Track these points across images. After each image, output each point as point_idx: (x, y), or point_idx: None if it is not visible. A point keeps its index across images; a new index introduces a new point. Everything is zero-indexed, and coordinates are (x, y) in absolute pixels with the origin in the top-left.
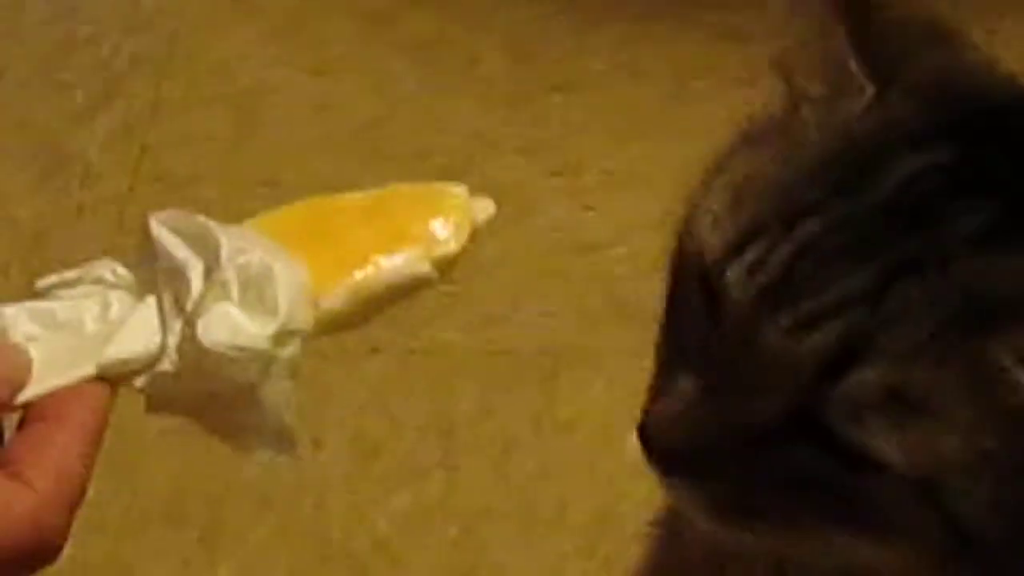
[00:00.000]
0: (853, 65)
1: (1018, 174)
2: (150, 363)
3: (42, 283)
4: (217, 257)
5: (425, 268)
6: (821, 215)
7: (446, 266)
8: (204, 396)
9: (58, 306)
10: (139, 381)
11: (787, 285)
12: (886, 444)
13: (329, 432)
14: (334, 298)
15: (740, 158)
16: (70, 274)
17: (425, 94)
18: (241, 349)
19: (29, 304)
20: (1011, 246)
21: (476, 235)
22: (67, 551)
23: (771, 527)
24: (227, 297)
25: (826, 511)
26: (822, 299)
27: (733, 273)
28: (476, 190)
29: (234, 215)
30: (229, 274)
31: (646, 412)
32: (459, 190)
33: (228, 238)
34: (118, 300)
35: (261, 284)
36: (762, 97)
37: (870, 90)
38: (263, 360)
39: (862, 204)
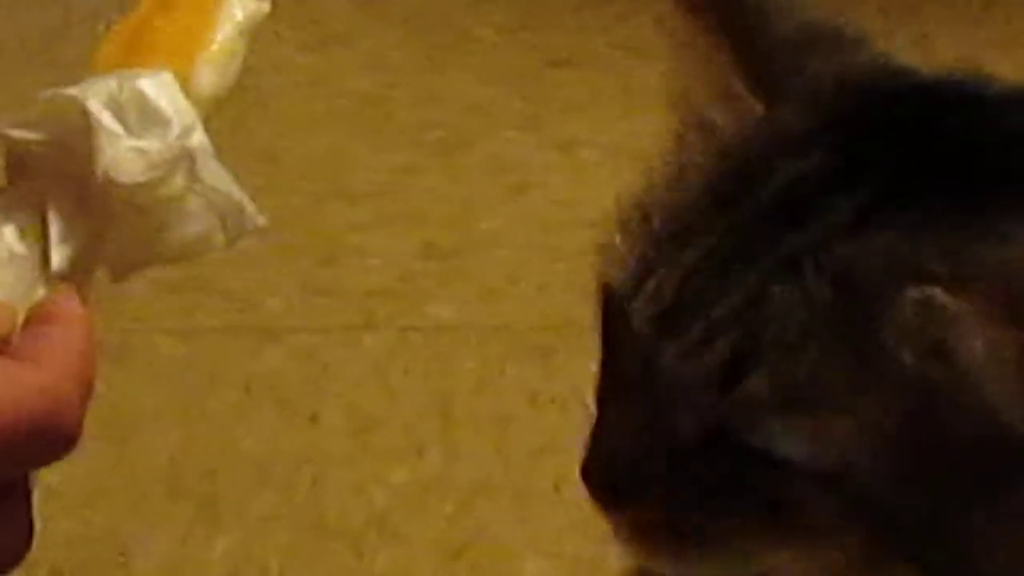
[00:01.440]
0: (738, 85)
1: (890, 160)
2: (92, 244)
3: None
4: (85, 112)
5: (251, 5)
6: (705, 234)
7: None
8: (154, 231)
9: None
10: (95, 263)
11: (679, 309)
12: (786, 443)
13: (327, 408)
14: (201, 79)
15: (641, 197)
16: None
17: (423, 69)
18: (158, 164)
19: None
20: (879, 228)
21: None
22: (65, 525)
23: (707, 551)
24: (116, 136)
25: (756, 524)
26: (710, 317)
27: (636, 304)
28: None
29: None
30: (104, 116)
31: (584, 452)
32: None
33: (82, 92)
34: (26, 216)
35: (138, 105)
36: None
37: (759, 108)
38: (183, 161)
39: (742, 217)
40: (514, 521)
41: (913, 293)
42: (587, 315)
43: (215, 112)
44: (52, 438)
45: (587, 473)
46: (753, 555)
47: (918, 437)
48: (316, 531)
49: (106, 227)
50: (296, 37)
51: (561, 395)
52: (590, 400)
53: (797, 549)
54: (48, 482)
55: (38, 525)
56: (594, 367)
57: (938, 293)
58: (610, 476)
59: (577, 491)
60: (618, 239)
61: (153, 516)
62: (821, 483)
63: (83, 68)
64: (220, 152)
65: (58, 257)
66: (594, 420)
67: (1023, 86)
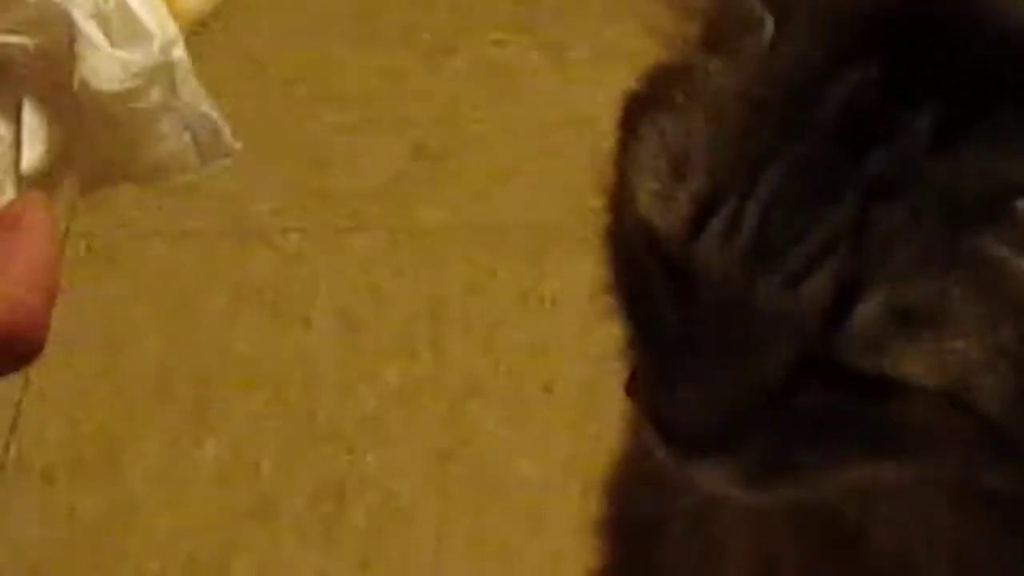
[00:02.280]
0: (749, 2)
1: (944, 72)
2: (63, 153)
3: None
4: (69, 21)
5: None
6: (775, 164)
7: None
8: (123, 146)
9: None
10: (65, 173)
11: (767, 242)
12: (907, 364)
13: (317, 310)
14: None
15: (655, 124)
16: None
17: None
18: (137, 74)
19: None
20: (967, 142)
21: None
22: (56, 428)
23: (808, 477)
24: (97, 46)
25: (858, 448)
26: (807, 246)
27: (705, 246)
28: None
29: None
30: (88, 25)
31: (655, 408)
32: None
33: (68, 2)
34: (0, 121)
35: (122, 17)
36: None
37: (769, 23)
38: (163, 73)
39: (811, 140)
40: (505, 422)
41: (1022, 204)
42: (578, 215)
43: (197, 30)
44: (16, 348)
45: (668, 431)
46: (851, 478)
47: None
48: (307, 432)
49: (78, 137)
50: None
51: (552, 295)
52: (582, 300)
53: (900, 469)
54: (39, 385)
55: (29, 428)
56: (586, 267)
57: None
58: (695, 428)
59: (568, 392)
60: (639, 175)
61: (143, 419)
62: (939, 401)
63: None
64: (205, 58)
65: (28, 160)
66: (655, 370)
67: None
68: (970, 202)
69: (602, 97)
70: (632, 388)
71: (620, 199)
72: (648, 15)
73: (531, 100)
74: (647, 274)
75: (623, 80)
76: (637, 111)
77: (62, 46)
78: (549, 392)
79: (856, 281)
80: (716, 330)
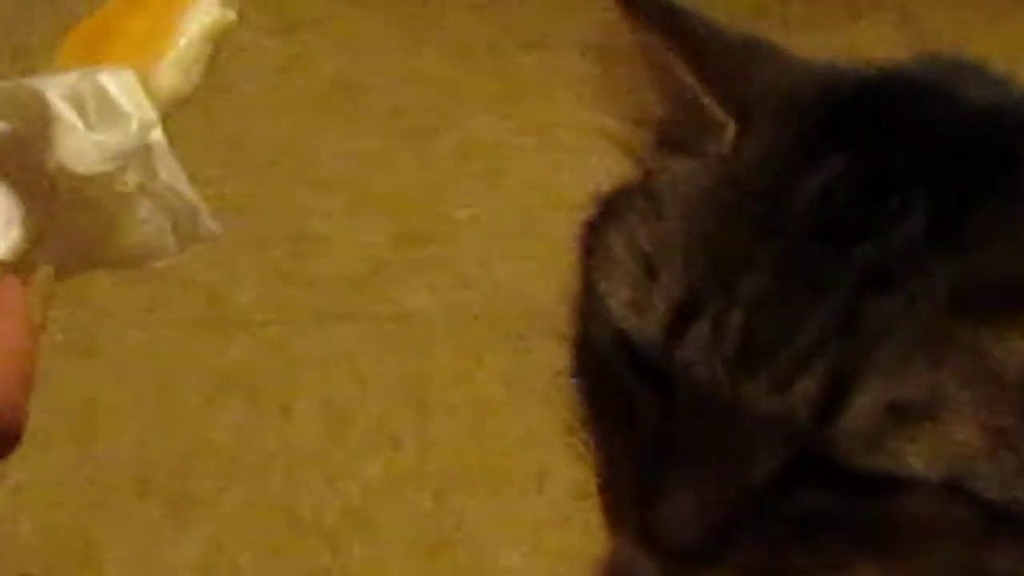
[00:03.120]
0: (708, 102)
1: (918, 159)
2: (39, 238)
3: None
4: (44, 104)
5: (216, 11)
6: (755, 265)
7: (233, 1)
8: (103, 231)
9: None
10: (39, 260)
11: (753, 345)
12: (905, 458)
13: (298, 400)
14: (162, 79)
15: (621, 232)
16: None
17: (393, 52)
18: (114, 157)
19: None
20: (969, 230)
21: None
22: (32, 524)
23: None
24: (73, 128)
25: (857, 548)
26: (795, 345)
27: (687, 352)
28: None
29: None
30: (64, 109)
31: (644, 522)
32: None
33: (43, 84)
34: None
35: (98, 99)
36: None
37: (731, 126)
38: (140, 156)
39: (789, 239)
40: (493, 515)
41: None
42: (567, 302)
43: (174, 113)
44: None
45: (655, 540)
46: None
47: None
48: (289, 527)
49: (55, 221)
50: (262, 20)
51: (540, 384)
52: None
53: (896, 568)
54: (13, 480)
55: (2, 525)
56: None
57: None
58: (687, 539)
59: (557, 483)
60: (608, 282)
61: (122, 513)
62: (938, 491)
63: (44, 56)
64: (183, 139)
65: (3, 247)
66: (639, 481)
67: (960, 65)
68: (971, 293)
69: (591, 181)
70: (608, 504)
71: (586, 313)
72: (633, 102)
73: (517, 183)
74: (623, 385)
75: (613, 163)
76: (597, 229)
77: (37, 129)
78: (538, 483)
79: (848, 377)
80: (701, 435)
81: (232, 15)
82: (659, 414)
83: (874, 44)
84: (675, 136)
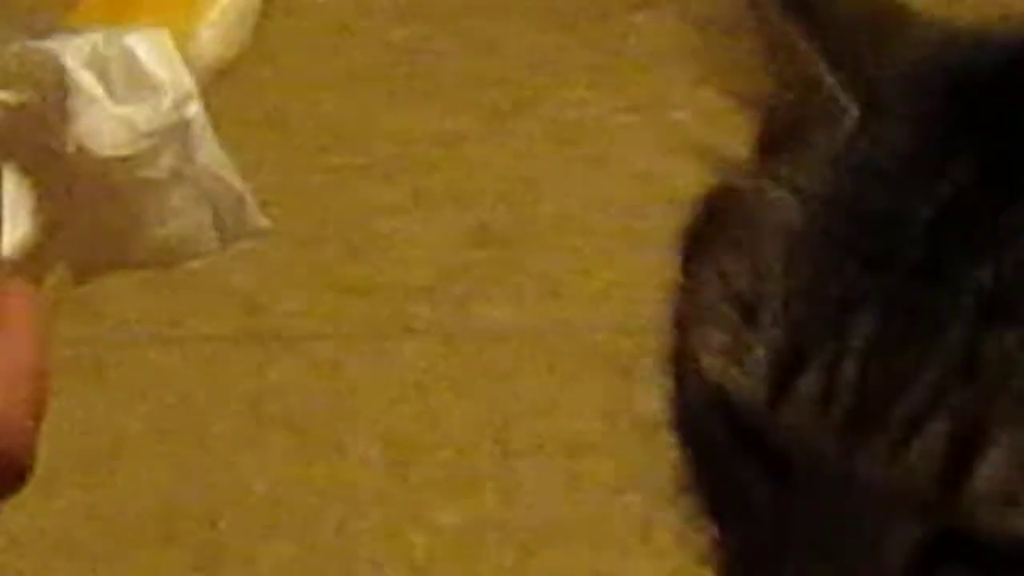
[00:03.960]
0: (831, 82)
1: None
2: (52, 232)
3: None
4: (61, 70)
5: None
6: (867, 305)
7: None
8: (130, 224)
9: None
10: (53, 257)
11: (866, 403)
12: None
13: (355, 435)
14: (203, 43)
15: (715, 265)
16: None
17: (470, 14)
18: (143, 136)
19: None
20: None
21: None
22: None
23: None
24: (95, 100)
25: None
26: (911, 397)
27: (793, 412)
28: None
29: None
30: (84, 76)
31: None
32: None
33: (59, 46)
34: None
35: (126, 66)
36: None
37: (853, 112)
38: (174, 135)
39: (905, 269)
40: (588, 573)
41: None
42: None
43: (217, 81)
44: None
45: None
46: None
47: None
48: None
49: (71, 212)
50: None
51: (645, 416)
52: None
53: None
54: (10, 528)
55: None
56: None
57: None
58: None
59: (664, 535)
60: (703, 328)
61: (141, 570)
62: None
63: (55, 9)
64: (220, 117)
65: (10, 244)
66: (750, 567)
67: None
68: None
69: (708, 169)
70: None
71: (681, 359)
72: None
73: (620, 172)
74: (722, 450)
75: (734, 145)
76: (693, 251)
77: (52, 101)
78: (643, 535)
79: (973, 430)
80: (816, 511)
81: None
82: (769, 491)
83: None
84: (783, 128)
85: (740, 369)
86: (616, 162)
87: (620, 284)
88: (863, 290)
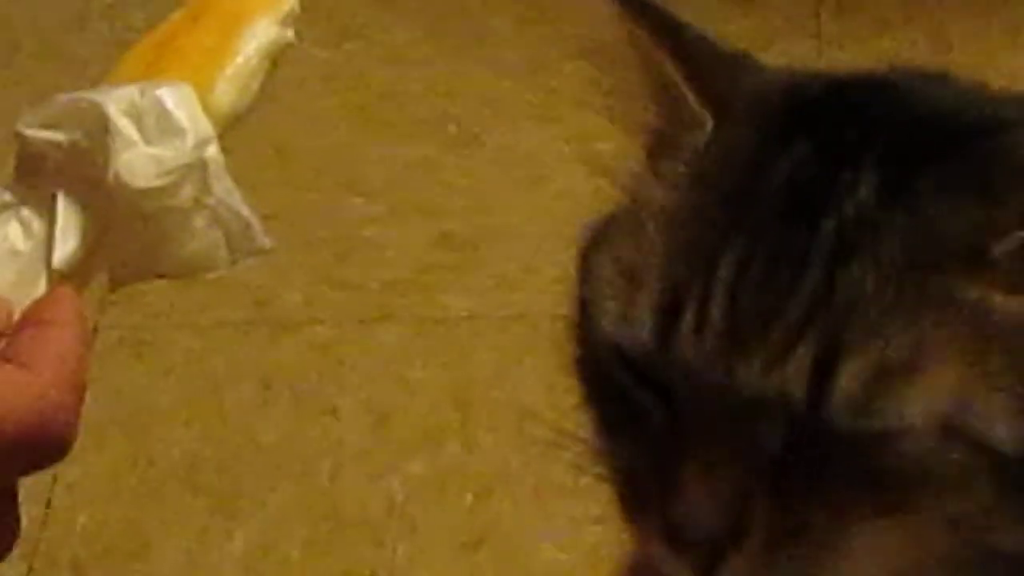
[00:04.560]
0: (692, 101)
1: (872, 141)
2: (95, 248)
3: None
4: (104, 117)
5: (275, 31)
6: (732, 250)
7: (292, 20)
8: (153, 241)
9: None
10: (97, 268)
11: (740, 328)
12: (900, 412)
13: (344, 400)
14: (220, 95)
15: (610, 253)
16: None
17: (437, 63)
18: (170, 172)
19: None
20: (917, 192)
21: None
22: (85, 519)
23: (823, 549)
24: (131, 142)
25: (865, 498)
26: (782, 323)
27: (679, 347)
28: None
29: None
30: (122, 121)
31: (666, 522)
32: None
33: (103, 97)
34: (33, 214)
35: (156, 114)
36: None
37: (709, 122)
38: (195, 171)
39: (762, 223)
40: (532, 513)
41: (1004, 244)
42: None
43: (231, 129)
44: (44, 445)
45: (679, 537)
46: (872, 540)
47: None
48: (335, 523)
49: (110, 232)
50: (311, 31)
51: (579, 386)
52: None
53: (909, 524)
54: (68, 477)
55: (59, 521)
56: None
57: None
58: (709, 527)
59: (593, 484)
60: (599, 304)
61: (172, 510)
62: (938, 442)
63: (100, 65)
64: (234, 147)
65: (60, 256)
66: (656, 484)
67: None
68: (932, 247)
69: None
70: (631, 513)
71: (584, 329)
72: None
73: (556, 190)
74: (625, 395)
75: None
76: (586, 256)
77: (96, 141)
78: (576, 480)
79: (833, 348)
80: (705, 425)
81: (290, 34)
82: (662, 417)
83: (906, 56)
84: (662, 140)
85: (630, 328)
86: (551, 182)
87: (557, 279)
88: (729, 239)
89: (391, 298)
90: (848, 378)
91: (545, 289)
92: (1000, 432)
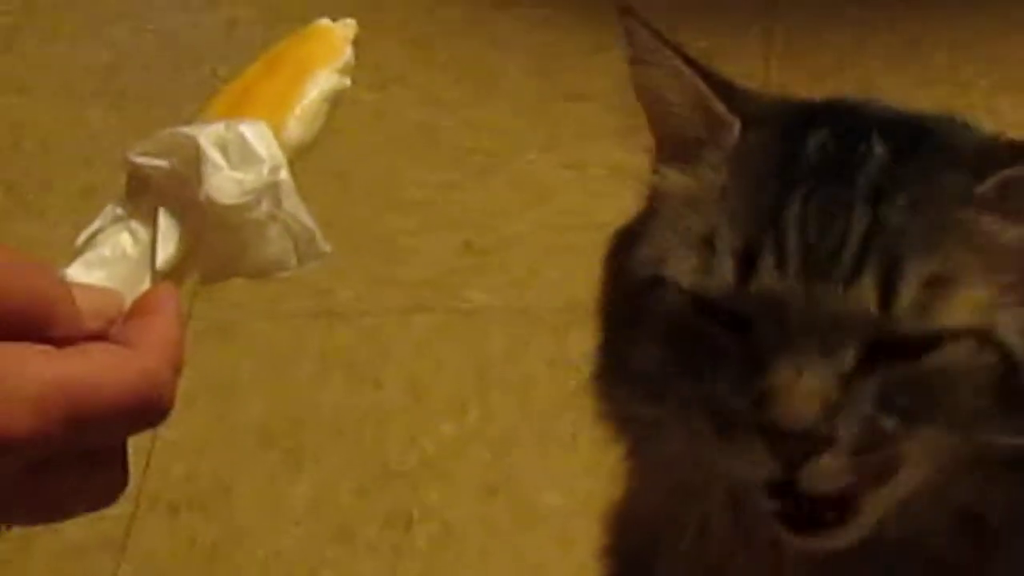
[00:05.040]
0: (716, 104)
1: (867, 129)
2: (189, 252)
3: (80, 240)
4: (197, 147)
5: (335, 79)
6: (788, 207)
7: (349, 70)
8: (236, 248)
9: (102, 250)
10: (190, 270)
11: (814, 260)
12: (944, 318)
13: (387, 375)
14: (290, 131)
15: (670, 227)
16: (95, 225)
17: (464, 104)
18: (250, 191)
19: (80, 259)
20: (918, 157)
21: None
22: (180, 468)
23: (892, 443)
24: (219, 168)
25: (921, 403)
26: (848, 251)
27: (764, 280)
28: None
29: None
30: (213, 152)
31: (765, 422)
32: (324, 21)
33: (196, 132)
34: (140, 225)
35: (239, 145)
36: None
37: (736, 124)
38: (270, 191)
39: (807, 183)
40: (538, 466)
41: (990, 181)
42: (594, 300)
43: (299, 158)
44: (148, 412)
45: (778, 431)
46: (920, 453)
47: None
48: (380, 473)
49: (201, 240)
50: (361, 78)
51: (574, 362)
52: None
53: (945, 418)
54: (166, 436)
55: (158, 471)
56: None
57: (1008, 172)
58: (808, 418)
59: (587, 441)
60: (674, 263)
61: (248, 462)
62: (974, 343)
63: (193, 106)
64: (302, 172)
65: (161, 259)
66: (748, 394)
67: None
68: (940, 192)
69: (616, 206)
70: (715, 429)
71: (630, 300)
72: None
73: (558, 208)
74: (705, 336)
75: (632, 194)
76: (619, 252)
77: (191, 167)
78: (574, 440)
79: (894, 266)
80: (794, 342)
81: (347, 81)
82: (740, 346)
83: None
84: (679, 148)
85: (712, 278)
86: (553, 201)
87: (558, 279)
88: (785, 202)
89: (424, 293)
90: (908, 288)
91: (547, 287)
92: (1016, 340)
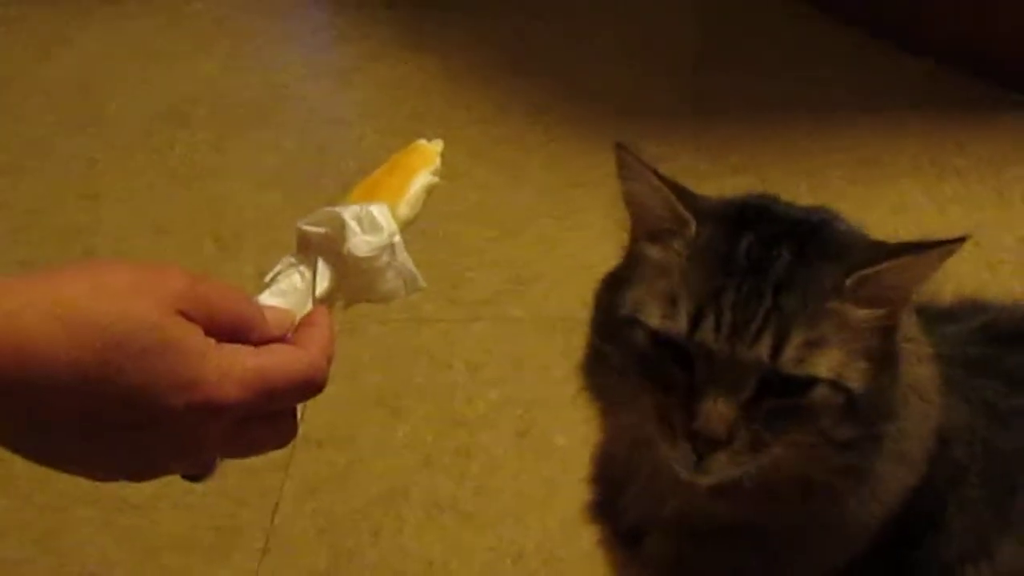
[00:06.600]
0: (680, 209)
1: (780, 230)
2: (336, 287)
3: (267, 278)
4: (342, 220)
5: (430, 178)
6: (727, 289)
7: (438, 172)
8: (366, 284)
9: (281, 285)
10: (337, 298)
11: (737, 327)
12: (814, 368)
13: (455, 361)
14: (401, 211)
15: (643, 284)
16: (276, 269)
17: (500, 188)
18: (376, 249)
19: (267, 290)
20: (811, 257)
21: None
22: (322, 418)
23: (769, 449)
24: (355, 233)
25: (793, 424)
26: (757, 323)
27: (702, 335)
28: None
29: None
30: (351, 222)
31: (689, 430)
32: (422, 141)
33: (341, 209)
34: (306, 269)
35: (369, 219)
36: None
37: (693, 222)
38: (389, 248)
39: (738, 275)
40: (552, 418)
41: (852, 278)
42: (586, 314)
43: (406, 228)
44: (312, 388)
45: (698, 437)
46: (782, 456)
47: (880, 353)
48: (449, 423)
49: (344, 280)
50: (442, 173)
51: (577, 353)
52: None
53: (797, 435)
54: (312, 403)
55: (310, 418)
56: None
57: (861, 272)
58: (718, 431)
59: (581, 408)
60: (644, 309)
61: (367, 414)
62: (829, 387)
63: (338, 192)
64: (407, 236)
65: (319, 291)
66: (682, 410)
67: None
68: (820, 286)
69: (601, 255)
70: (660, 423)
71: (612, 325)
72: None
73: (565, 255)
74: (660, 359)
75: (613, 248)
76: (606, 291)
77: (339, 233)
78: (574, 401)
79: (783, 335)
80: (714, 379)
81: (437, 179)
82: (684, 377)
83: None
84: (654, 234)
85: (673, 324)
86: (563, 250)
87: (567, 300)
88: (724, 284)
89: (480, 309)
90: (790, 348)
91: (558, 305)
92: (857, 384)
